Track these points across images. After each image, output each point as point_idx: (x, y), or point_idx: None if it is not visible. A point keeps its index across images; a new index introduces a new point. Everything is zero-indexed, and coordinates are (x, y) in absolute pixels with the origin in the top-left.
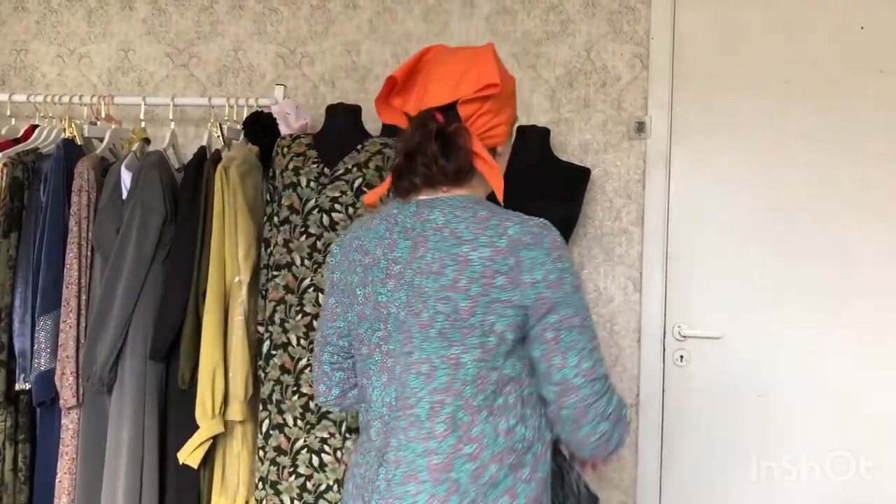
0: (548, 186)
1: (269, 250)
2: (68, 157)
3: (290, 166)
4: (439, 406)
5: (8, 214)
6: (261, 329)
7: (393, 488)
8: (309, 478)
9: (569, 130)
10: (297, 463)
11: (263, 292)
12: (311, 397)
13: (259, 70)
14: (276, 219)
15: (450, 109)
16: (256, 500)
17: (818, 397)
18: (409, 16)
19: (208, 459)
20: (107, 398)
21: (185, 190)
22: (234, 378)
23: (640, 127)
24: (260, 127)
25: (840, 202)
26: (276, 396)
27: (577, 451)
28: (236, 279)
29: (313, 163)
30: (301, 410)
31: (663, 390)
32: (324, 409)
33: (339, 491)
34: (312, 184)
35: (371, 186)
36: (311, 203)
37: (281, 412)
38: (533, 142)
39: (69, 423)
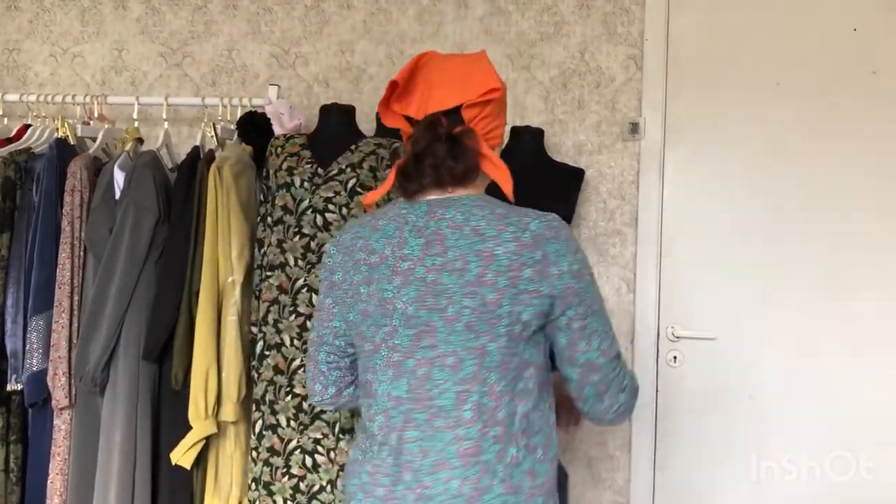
0: (542, 187)
1: (262, 250)
2: (61, 156)
3: (284, 166)
4: (465, 394)
5: (0, 214)
6: (254, 329)
7: (422, 478)
8: (302, 478)
9: (563, 131)
10: (291, 464)
11: (257, 293)
12: (305, 398)
13: (253, 70)
14: (269, 219)
15: (453, 113)
16: (249, 500)
17: (812, 397)
18: (403, 16)
19: (201, 460)
20: (99, 399)
21: (178, 190)
22: (227, 378)
23: (634, 128)
24: (254, 127)
25: (833, 203)
26: (269, 397)
27: (597, 421)
28: (230, 279)
29: (307, 163)
30: (294, 411)
31: (657, 391)
32: (317, 410)
33: (332, 491)
34: (306, 184)
35: (365, 187)
36: (305, 203)
37: (274, 413)
38: (527, 143)
39: (61, 424)
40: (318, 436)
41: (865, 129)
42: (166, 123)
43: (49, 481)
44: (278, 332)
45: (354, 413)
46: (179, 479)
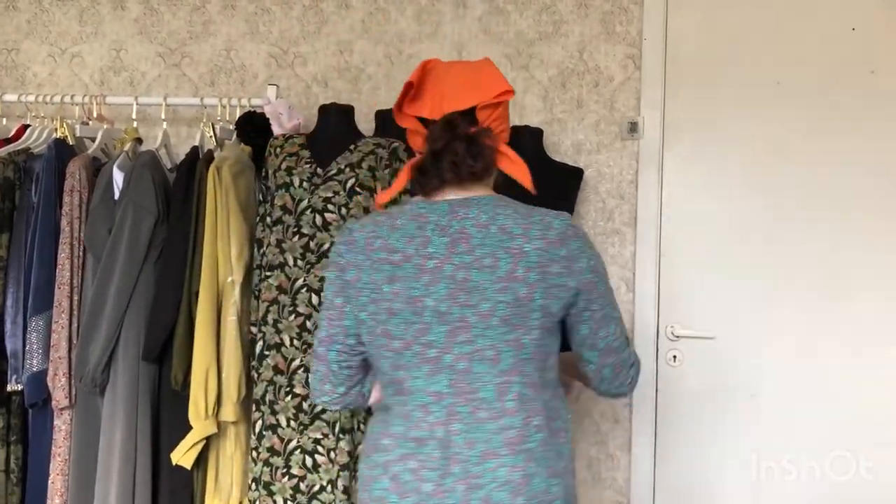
0: (541, 187)
1: (261, 250)
2: (60, 157)
3: (283, 166)
4: (506, 386)
5: None
6: (254, 329)
7: (470, 468)
8: (302, 478)
9: (562, 131)
10: (291, 464)
11: (256, 293)
12: (305, 398)
13: (251, 70)
14: (268, 219)
15: (468, 114)
16: (250, 500)
17: (812, 397)
18: (402, 16)
19: (201, 460)
20: (99, 399)
21: (177, 190)
22: (226, 379)
23: (633, 127)
24: (252, 127)
25: (833, 202)
26: (269, 397)
27: (611, 396)
28: (229, 279)
29: (306, 163)
30: (294, 411)
31: (657, 390)
32: (317, 410)
33: (332, 491)
34: (305, 184)
35: (364, 187)
36: (304, 203)
37: (274, 413)
38: (526, 142)
39: (61, 424)
40: (318, 436)
41: (865, 129)
42: (165, 123)
43: (49, 482)
44: (278, 332)
45: (354, 413)
46: (180, 479)
